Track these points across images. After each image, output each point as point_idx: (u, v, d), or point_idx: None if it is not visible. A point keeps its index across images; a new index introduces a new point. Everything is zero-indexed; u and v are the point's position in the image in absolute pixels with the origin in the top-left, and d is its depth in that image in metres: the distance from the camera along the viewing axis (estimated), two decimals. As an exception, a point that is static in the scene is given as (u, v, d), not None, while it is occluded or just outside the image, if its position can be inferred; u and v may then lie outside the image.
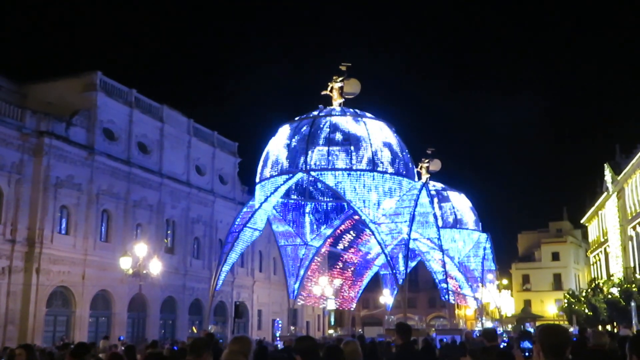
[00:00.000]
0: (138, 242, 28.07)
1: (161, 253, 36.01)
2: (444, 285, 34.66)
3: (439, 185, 43.66)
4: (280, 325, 30.19)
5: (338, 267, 38.71)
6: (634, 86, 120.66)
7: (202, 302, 42.97)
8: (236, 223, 34.14)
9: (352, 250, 38.15)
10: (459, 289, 39.22)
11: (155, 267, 27.18)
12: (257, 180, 32.94)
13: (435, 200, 40.14)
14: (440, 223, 41.87)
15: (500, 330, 36.49)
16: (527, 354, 3.83)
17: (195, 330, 40.12)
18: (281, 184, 31.22)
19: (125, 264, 25.83)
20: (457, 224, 42.41)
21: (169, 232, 42.22)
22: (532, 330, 29.88)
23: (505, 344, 15.80)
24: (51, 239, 32.44)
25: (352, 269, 38.92)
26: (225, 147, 49.61)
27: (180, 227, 42.92)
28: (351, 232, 36.59)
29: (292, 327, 42.81)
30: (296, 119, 33.19)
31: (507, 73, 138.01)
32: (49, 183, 32.61)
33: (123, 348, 13.07)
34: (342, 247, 37.85)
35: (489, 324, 42.83)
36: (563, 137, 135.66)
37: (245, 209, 34.68)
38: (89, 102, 36.30)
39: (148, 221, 39.21)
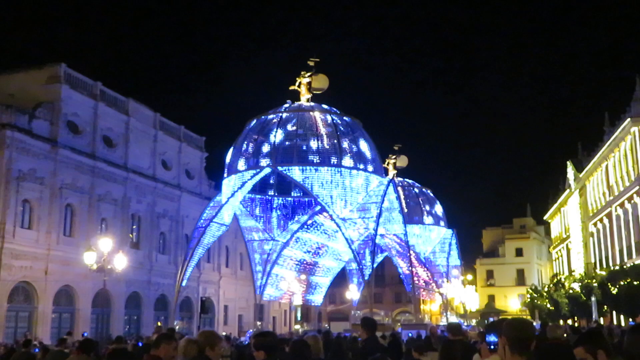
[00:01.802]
0: (103, 237, 27.67)
1: (126, 248, 35.57)
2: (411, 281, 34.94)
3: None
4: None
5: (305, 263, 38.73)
6: (596, 85, 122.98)
7: (168, 297, 42.62)
8: (203, 218, 33.96)
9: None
10: (424, 284, 39.56)
11: (120, 262, 26.82)
12: (225, 175, 32.81)
13: None
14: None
15: (465, 325, 36.93)
16: (492, 347, 3.87)
17: (160, 325, 39.80)
18: (248, 179, 31.13)
19: (89, 259, 25.46)
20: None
21: (134, 226, 41.75)
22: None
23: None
24: (13, 234, 31.84)
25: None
26: (192, 142, 49.22)
27: (146, 221, 42.48)
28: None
29: (258, 323, 42.82)
30: (264, 113, 33.13)
31: (472, 71, 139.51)
32: (10, 176, 31.97)
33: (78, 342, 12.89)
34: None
35: (453, 319, 43.32)
36: (527, 135, 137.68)
37: (211, 204, 34.52)
38: (52, 95, 35.65)
39: (113, 216, 38.73)
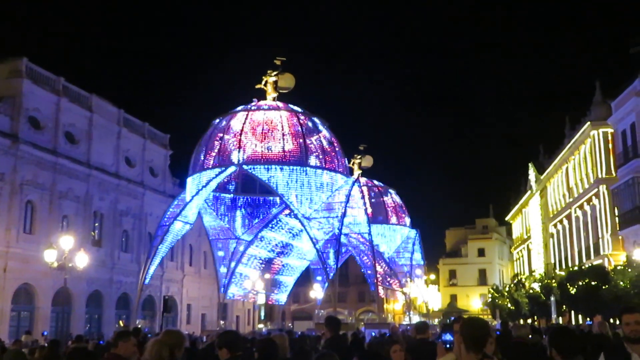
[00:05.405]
0: (64, 235, 27.23)
1: (88, 246, 35.06)
2: (374, 280, 35.18)
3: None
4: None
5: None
6: (557, 88, 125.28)
7: (130, 296, 42.16)
8: (166, 216, 33.76)
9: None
10: (387, 284, 39.89)
11: (82, 260, 26.46)
12: (189, 172, 32.65)
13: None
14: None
15: (433, 323, 37.27)
16: (447, 345, 3.98)
17: (122, 324, 39.37)
18: (213, 177, 31.03)
19: (49, 256, 25.08)
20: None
21: (96, 224, 41.19)
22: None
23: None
24: (-29, 230, 31.20)
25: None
26: (156, 139, 48.75)
27: (109, 219, 41.96)
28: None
29: (221, 322, 42.62)
30: (229, 112, 33.05)
31: (437, 74, 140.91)
32: (-31, 172, 31.31)
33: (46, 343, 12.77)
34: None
35: (416, 318, 43.72)
36: (490, 137, 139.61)
37: (176, 202, 34.33)
38: (13, 89, 34.98)
39: (75, 213, 38.16)
